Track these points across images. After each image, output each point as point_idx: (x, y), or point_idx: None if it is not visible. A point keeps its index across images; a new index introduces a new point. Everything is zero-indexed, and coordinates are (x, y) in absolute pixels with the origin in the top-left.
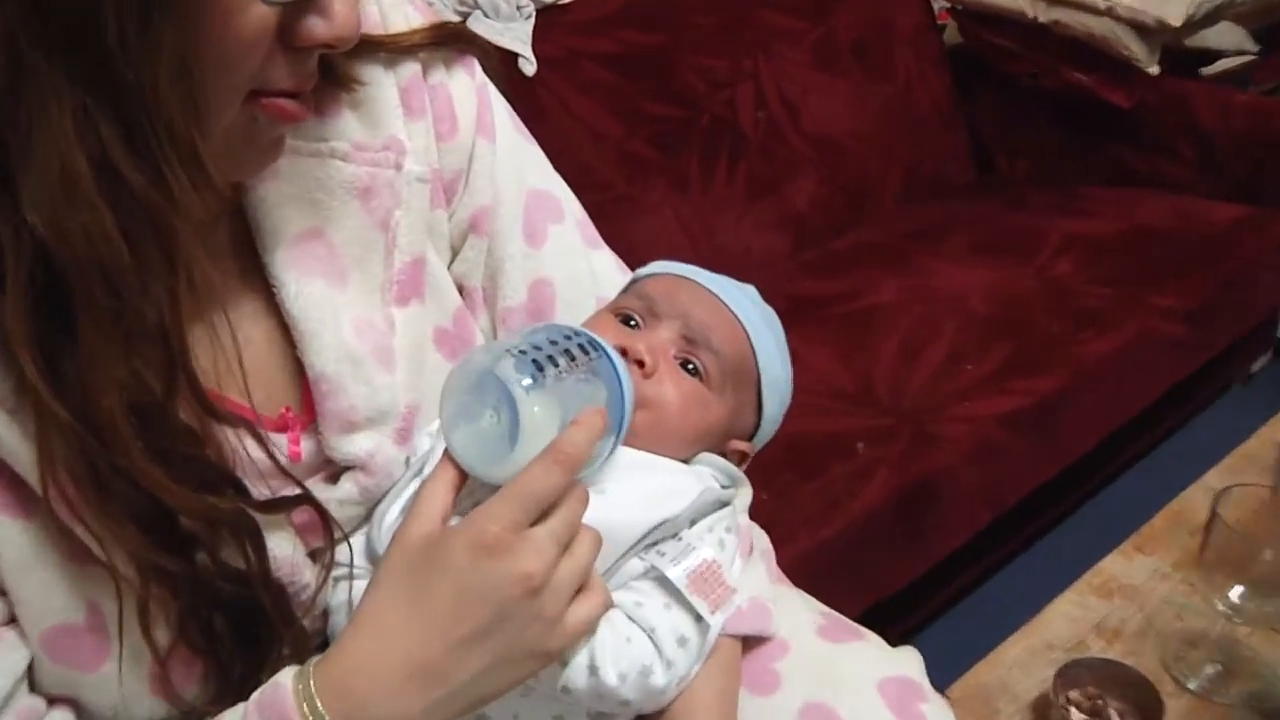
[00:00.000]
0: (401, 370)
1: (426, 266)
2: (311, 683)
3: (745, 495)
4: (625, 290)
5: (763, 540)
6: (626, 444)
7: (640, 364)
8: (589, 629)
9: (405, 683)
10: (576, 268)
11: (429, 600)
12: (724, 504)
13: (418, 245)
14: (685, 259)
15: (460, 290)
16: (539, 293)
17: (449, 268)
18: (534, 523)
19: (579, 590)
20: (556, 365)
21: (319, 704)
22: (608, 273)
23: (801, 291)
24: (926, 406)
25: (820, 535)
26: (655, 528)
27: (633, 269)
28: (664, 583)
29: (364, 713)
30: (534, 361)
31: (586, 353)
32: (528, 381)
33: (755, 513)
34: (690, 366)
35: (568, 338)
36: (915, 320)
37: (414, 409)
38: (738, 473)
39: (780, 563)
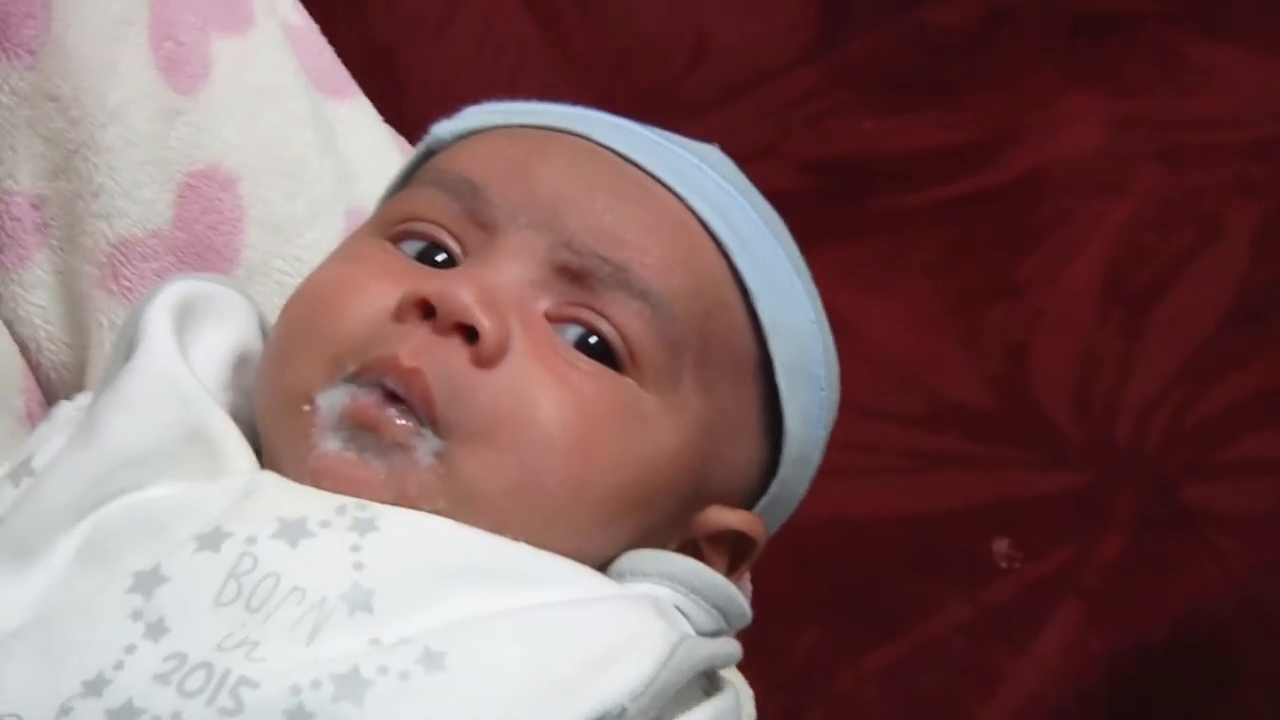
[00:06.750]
0: None
1: None
2: None
3: (743, 693)
4: (413, 176)
5: None
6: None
7: (465, 334)
8: None
9: None
10: (291, 136)
11: None
12: (712, 678)
13: None
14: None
15: None
16: (202, 197)
17: None
18: None
19: None
20: None
21: None
22: (365, 142)
23: (839, 150)
24: (1176, 439)
25: None
26: None
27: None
28: None
29: None
30: None
31: None
32: None
33: None
34: (593, 341)
35: None
36: (1149, 214)
37: None
38: (729, 593)
39: None
